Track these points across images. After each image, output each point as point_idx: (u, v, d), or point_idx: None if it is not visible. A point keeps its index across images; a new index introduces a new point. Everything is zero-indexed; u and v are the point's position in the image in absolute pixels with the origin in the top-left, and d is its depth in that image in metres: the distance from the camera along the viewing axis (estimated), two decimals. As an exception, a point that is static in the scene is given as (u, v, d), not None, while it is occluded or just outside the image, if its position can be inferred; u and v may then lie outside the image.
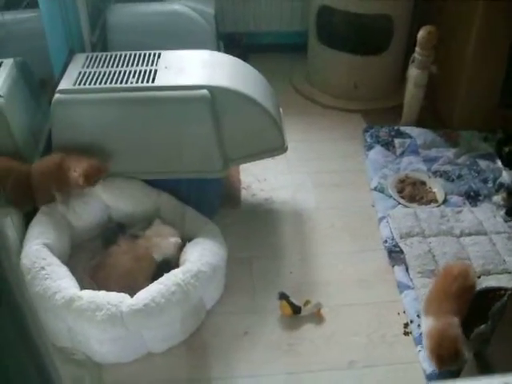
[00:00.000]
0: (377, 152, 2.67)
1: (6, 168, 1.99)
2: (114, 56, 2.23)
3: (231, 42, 3.07)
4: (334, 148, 2.76)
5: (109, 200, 2.10)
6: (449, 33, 2.66)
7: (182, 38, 2.70)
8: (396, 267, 2.13)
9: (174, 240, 1.97)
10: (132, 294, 1.77)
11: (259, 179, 2.55)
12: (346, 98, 3.08)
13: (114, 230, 2.14)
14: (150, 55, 2.23)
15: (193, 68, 2.17)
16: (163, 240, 1.96)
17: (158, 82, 2.05)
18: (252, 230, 2.28)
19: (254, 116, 2.09)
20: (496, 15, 2.48)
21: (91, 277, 1.93)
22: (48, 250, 1.87)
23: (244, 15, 3.31)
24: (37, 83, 2.32)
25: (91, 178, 1.96)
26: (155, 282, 1.79)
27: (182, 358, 1.84)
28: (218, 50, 2.76)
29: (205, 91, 2.02)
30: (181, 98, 2.03)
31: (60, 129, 2.06)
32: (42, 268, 1.79)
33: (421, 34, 2.58)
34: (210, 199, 2.24)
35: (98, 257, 2.02)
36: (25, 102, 2.22)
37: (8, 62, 2.14)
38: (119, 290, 1.80)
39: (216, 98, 2.03)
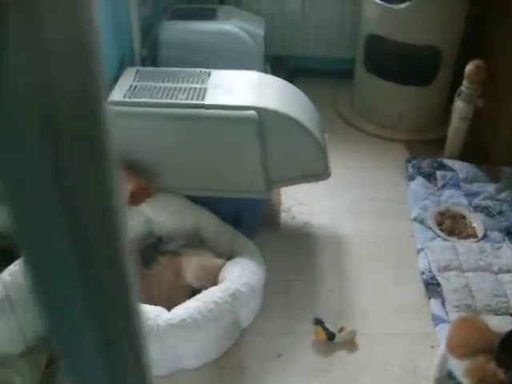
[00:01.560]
0: (418, 183, 2.67)
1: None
2: (164, 71, 2.29)
3: (277, 64, 3.11)
4: (376, 176, 2.78)
5: (151, 214, 2.14)
6: (497, 67, 2.66)
7: (230, 57, 2.74)
8: (432, 300, 2.12)
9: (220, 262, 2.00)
10: (169, 308, 1.80)
11: (300, 202, 2.57)
12: (390, 127, 3.10)
13: (153, 244, 2.18)
14: (200, 73, 2.27)
15: (242, 88, 2.20)
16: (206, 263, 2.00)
17: (207, 100, 2.09)
18: (290, 253, 2.30)
19: (299, 140, 2.11)
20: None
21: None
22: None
23: (292, 38, 3.36)
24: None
25: (138, 199, 2.01)
26: (193, 298, 1.82)
27: (214, 376, 1.85)
28: (265, 71, 2.80)
29: (253, 112, 2.05)
30: (229, 118, 2.06)
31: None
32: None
33: (469, 67, 2.59)
34: (251, 220, 2.26)
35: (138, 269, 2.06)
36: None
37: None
38: (158, 303, 1.84)
39: (263, 120, 2.06)
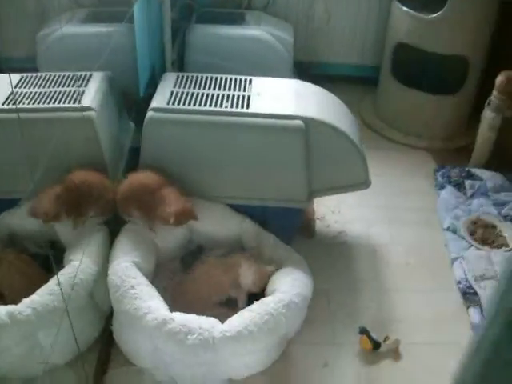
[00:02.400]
0: (448, 192, 2.70)
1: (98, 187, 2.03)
2: (204, 78, 2.28)
3: (301, 71, 3.11)
4: (405, 184, 2.80)
5: (192, 222, 2.12)
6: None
7: (260, 63, 2.75)
8: (471, 309, 2.14)
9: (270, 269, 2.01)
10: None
11: (333, 211, 2.58)
12: (415, 134, 3.12)
13: (193, 253, 2.18)
14: (241, 80, 2.28)
15: (285, 97, 2.21)
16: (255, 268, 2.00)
17: (252, 109, 2.10)
18: (327, 262, 2.31)
19: (343, 149, 2.12)
20: None
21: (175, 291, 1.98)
22: (136, 269, 1.89)
23: (316, 45, 3.38)
24: (122, 98, 2.38)
25: (181, 221, 2.00)
26: (246, 309, 1.81)
27: (262, 386, 1.86)
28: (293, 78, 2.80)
29: (299, 122, 2.06)
30: (276, 127, 2.06)
31: (150, 146, 2.10)
32: (132, 287, 1.80)
33: (500, 78, 2.62)
34: (289, 228, 2.26)
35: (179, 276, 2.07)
36: (112, 116, 2.26)
37: (98, 75, 2.20)
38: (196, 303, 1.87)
39: (309, 129, 2.07)
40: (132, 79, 2.38)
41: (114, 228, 2.05)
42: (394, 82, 3.13)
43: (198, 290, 1.98)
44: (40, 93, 2.08)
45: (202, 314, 1.79)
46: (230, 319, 1.78)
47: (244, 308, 1.84)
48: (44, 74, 2.21)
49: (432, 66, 2.95)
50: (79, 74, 2.19)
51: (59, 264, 1.92)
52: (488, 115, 2.72)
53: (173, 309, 1.80)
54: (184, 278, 2.06)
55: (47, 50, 2.43)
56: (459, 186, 2.73)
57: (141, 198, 2.00)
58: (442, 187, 2.73)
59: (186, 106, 2.08)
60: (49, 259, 2.01)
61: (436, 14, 2.81)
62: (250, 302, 1.91)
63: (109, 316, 1.95)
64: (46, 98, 2.05)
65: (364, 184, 2.21)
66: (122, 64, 2.33)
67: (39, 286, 1.77)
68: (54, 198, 1.95)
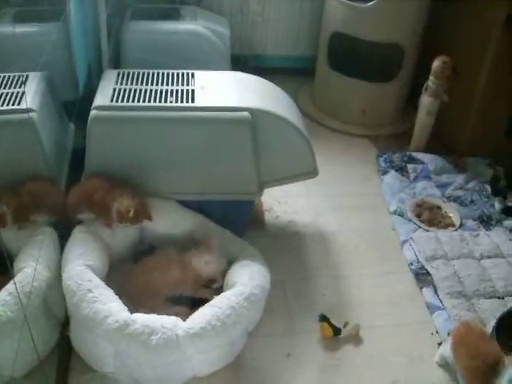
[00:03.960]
0: (392, 177, 2.75)
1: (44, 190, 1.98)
2: (146, 74, 2.23)
3: (237, 64, 3.10)
4: (348, 172, 2.84)
5: (145, 221, 2.09)
6: (459, 62, 2.76)
7: (198, 58, 2.73)
8: (424, 289, 2.19)
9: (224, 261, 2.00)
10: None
11: (280, 201, 2.59)
12: (354, 123, 3.16)
13: (145, 253, 2.13)
14: (183, 74, 2.24)
15: (229, 89, 2.19)
16: (213, 258, 1.98)
17: (198, 103, 2.07)
18: (279, 252, 2.30)
19: (291, 139, 2.12)
20: (510, 47, 2.61)
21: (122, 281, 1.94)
22: (91, 272, 1.83)
23: (251, 38, 3.38)
24: (60, 98, 2.30)
25: (138, 218, 1.97)
26: (207, 304, 1.79)
27: (227, 382, 1.83)
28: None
29: (246, 113, 2.04)
30: (223, 119, 2.04)
31: (96, 146, 2.03)
32: (89, 290, 1.74)
33: (436, 63, 2.69)
34: (240, 221, 2.24)
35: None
36: (53, 117, 2.19)
37: (35, 76, 2.11)
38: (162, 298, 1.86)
39: (256, 121, 2.06)
40: (68, 79, 2.32)
41: (63, 232, 1.98)
42: (331, 72, 3.16)
43: (148, 282, 1.93)
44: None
45: (151, 310, 1.76)
46: (191, 316, 1.75)
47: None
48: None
49: (368, 54, 2.99)
50: (14, 75, 2.10)
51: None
52: (425, 100, 2.79)
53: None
54: (134, 268, 2.00)
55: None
56: (402, 170, 2.79)
57: (94, 197, 1.95)
58: (385, 172, 2.78)
59: (131, 103, 2.03)
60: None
61: (370, 3, 2.85)
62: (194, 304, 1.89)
63: (64, 323, 1.89)
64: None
65: (312, 173, 2.22)
66: (57, 64, 2.24)
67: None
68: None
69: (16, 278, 1.72)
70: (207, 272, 1.97)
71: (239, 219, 2.24)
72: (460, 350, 1.78)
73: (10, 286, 1.69)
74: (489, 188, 2.71)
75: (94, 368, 1.79)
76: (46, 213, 1.96)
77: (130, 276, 1.97)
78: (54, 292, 1.81)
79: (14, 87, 2.04)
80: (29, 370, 1.74)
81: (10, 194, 1.90)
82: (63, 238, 1.95)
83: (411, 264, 2.29)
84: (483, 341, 1.79)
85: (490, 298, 2.16)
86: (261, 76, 2.36)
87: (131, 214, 1.92)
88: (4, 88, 2.04)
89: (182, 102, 2.06)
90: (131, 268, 2.01)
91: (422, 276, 2.24)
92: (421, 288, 2.20)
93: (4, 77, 2.09)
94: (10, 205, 1.89)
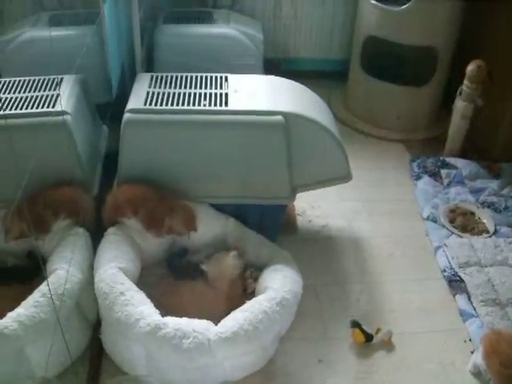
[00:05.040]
0: (425, 182, 2.72)
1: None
2: (179, 77, 2.24)
3: (270, 68, 3.10)
4: (381, 176, 2.82)
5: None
6: (494, 66, 2.72)
7: (230, 61, 2.73)
8: (458, 296, 2.16)
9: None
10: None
11: (313, 206, 2.57)
12: (388, 127, 3.14)
13: (179, 255, 2.14)
14: (216, 78, 2.24)
15: (263, 93, 2.19)
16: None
17: (231, 106, 2.07)
18: (312, 257, 2.30)
19: (324, 144, 2.11)
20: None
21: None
22: (123, 275, 1.84)
23: (284, 41, 3.39)
24: (94, 101, 2.32)
25: (186, 233, 2.05)
26: (239, 309, 1.78)
27: (259, 387, 1.83)
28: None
29: (280, 117, 2.03)
30: (256, 123, 2.04)
31: (129, 149, 2.04)
32: (121, 293, 1.74)
33: (470, 67, 2.65)
34: (273, 225, 2.23)
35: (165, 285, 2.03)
36: (87, 120, 2.21)
37: (69, 78, 2.14)
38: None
39: (290, 124, 2.05)
40: (102, 81, 2.33)
41: (95, 234, 1.99)
42: (364, 75, 3.14)
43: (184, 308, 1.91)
44: (8, 98, 2.00)
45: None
46: (223, 320, 1.74)
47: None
48: (11, 79, 2.13)
49: (402, 57, 2.97)
50: (49, 77, 2.12)
51: (37, 275, 1.86)
52: (460, 104, 2.75)
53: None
54: (170, 287, 2.01)
55: (11, 55, 2.36)
56: (435, 175, 2.75)
57: (145, 206, 1.98)
58: (418, 177, 2.75)
59: (164, 106, 2.04)
60: (26, 271, 1.96)
61: (404, 6, 2.83)
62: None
63: (95, 325, 1.90)
64: (17, 104, 1.97)
65: (346, 177, 2.20)
66: (91, 67, 2.26)
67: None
68: (16, 213, 1.87)
69: (49, 279, 1.74)
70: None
71: (272, 224, 2.23)
72: (493, 358, 1.76)
73: (43, 288, 1.71)
74: (524, 194, 2.66)
75: (125, 370, 1.80)
76: (70, 217, 1.96)
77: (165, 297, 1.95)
78: (87, 294, 1.82)
79: (49, 90, 2.07)
80: (61, 371, 1.76)
81: (27, 204, 1.89)
82: (95, 239, 1.97)
83: (444, 271, 2.26)
84: None
85: (525, 306, 2.12)
86: (294, 79, 2.35)
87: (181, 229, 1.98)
88: (39, 91, 2.06)
89: (215, 105, 2.07)
90: (165, 287, 2.01)
91: (456, 283, 2.20)
92: (454, 295, 2.17)
93: (39, 80, 2.12)
94: (27, 215, 1.86)
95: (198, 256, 2.12)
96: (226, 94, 2.13)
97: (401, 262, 2.33)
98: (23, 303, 1.67)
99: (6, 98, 2.01)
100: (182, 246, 2.15)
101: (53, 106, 1.96)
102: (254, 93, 2.17)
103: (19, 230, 1.90)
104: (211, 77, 2.24)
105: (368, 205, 2.63)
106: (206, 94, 2.12)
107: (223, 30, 2.77)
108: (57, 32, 2.46)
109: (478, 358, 1.84)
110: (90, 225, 2.01)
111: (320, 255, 2.32)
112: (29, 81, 2.11)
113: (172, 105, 2.05)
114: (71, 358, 1.76)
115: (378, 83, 3.09)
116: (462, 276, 2.21)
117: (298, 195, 2.21)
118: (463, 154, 2.89)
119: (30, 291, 1.72)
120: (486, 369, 1.78)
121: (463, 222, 2.49)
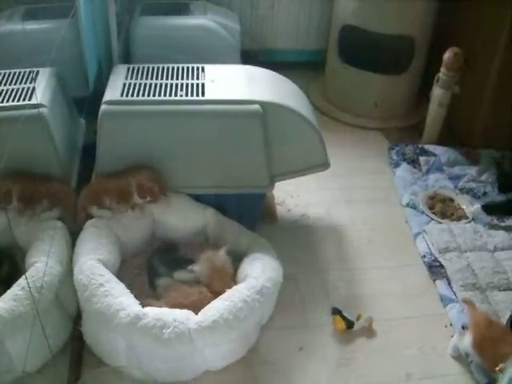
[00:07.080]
0: (404, 169, 2.74)
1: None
2: (156, 68, 2.23)
3: (247, 59, 3.09)
4: (360, 165, 2.83)
5: (158, 215, 2.09)
6: (471, 53, 2.74)
7: (208, 53, 2.71)
8: (438, 281, 2.18)
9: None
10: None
11: (292, 195, 2.58)
12: (366, 116, 3.15)
13: (169, 250, 2.12)
14: (193, 68, 2.24)
15: (240, 82, 2.19)
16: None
17: (208, 96, 2.06)
18: (292, 246, 2.30)
19: (302, 132, 2.12)
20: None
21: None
22: (103, 266, 1.84)
23: (261, 32, 3.39)
24: (71, 94, 2.31)
25: (158, 193, 2.04)
26: (219, 297, 1.78)
27: (239, 375, 1.83)
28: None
29: (257, 106, 2.03)
30: (233, 113, 2.04)
31: (106, 140, 2.04)
32: (101, 285, 1.74)
33: (447, 55, 2.66)
34: (252, 214, 2.24)
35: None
36: (63, 112, 2.19)
37: (45, 72, 2.12)
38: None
39: (267, 113, 2.05)
40: (79, 75, 2.32)
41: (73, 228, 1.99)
42: (341, 64, 3.15)
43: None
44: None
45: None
46: (203, 309, 1.74)
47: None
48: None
49: (378, 46, 2.98)
50: (25, 70, 2.11)
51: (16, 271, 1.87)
52: (437, 92, 2.77)
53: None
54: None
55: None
56: (414, 162, 2.77)
57: (110, 183, 2.01)
58: (397, 165, 2.77)
59: (141, 97, 2.03)
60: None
61: (381, -4, 2.84)
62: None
63: (76, 318, 1.89)
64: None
65: (324, 165, 2.21)
66: (67, 60, 2.24)
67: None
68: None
69: (27, 273, 1.74)
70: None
71: (251, 213, 2.24)
72: (484, 343, 1.78)
73: (21, 281, 1.70)
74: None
75: (105, 362, 1.80)
76: (55, 206, 1.98)
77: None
78: (66, 287, 1.81)
79: (25, 83, 2.05)
80: (41, 365, 1.76)
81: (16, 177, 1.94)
82: (74, 233, 1.96)
83: (424, 256, 2.28)
84: (505, 333, 1.80)
85: (505, 290, 2.13)
86: (272, 70, 2.35)
87: (152, 185, 1.98)
88: (15, 84, 2.05)
89: (192, 95, 2.06)
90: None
91: (435, 268, 2.22)
92: (434, 280, 2.19)
93: (15, 73, 2.10)
94: (15, 183, 1.92)
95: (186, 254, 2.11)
96: (203, 84, 2.12)
97: (381, 248, 2.35)
98: (2, 297, 1.66)
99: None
100: (168, 240, 2.14)
101: (29, 99, 1.95)
102: (231, 82, 2.17)
103: (5, 191, 1.92)
104: (188, 67, 2.24)
105: (347, 193, 2.64)
106: (182, 85, 2.12)
107: (200, 21, 2.75)
108: (32, 25, 2.44)
109: (460, 343, 1.86)
110: (69, 217, 2.01)
111: (299, 244, 2.33)
112: (4, 74, 2.10)
113: (149, 96, 2.04)
114: (52, 351, 1.75)
115: (356, 72, 3.10)
116: (442, 261, 2.23)
117: (277, 185, 2.21)
118: (441, 141, 2.91)
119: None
120: (475, 355, 1.80)
121: (442, 209, 2.51)
